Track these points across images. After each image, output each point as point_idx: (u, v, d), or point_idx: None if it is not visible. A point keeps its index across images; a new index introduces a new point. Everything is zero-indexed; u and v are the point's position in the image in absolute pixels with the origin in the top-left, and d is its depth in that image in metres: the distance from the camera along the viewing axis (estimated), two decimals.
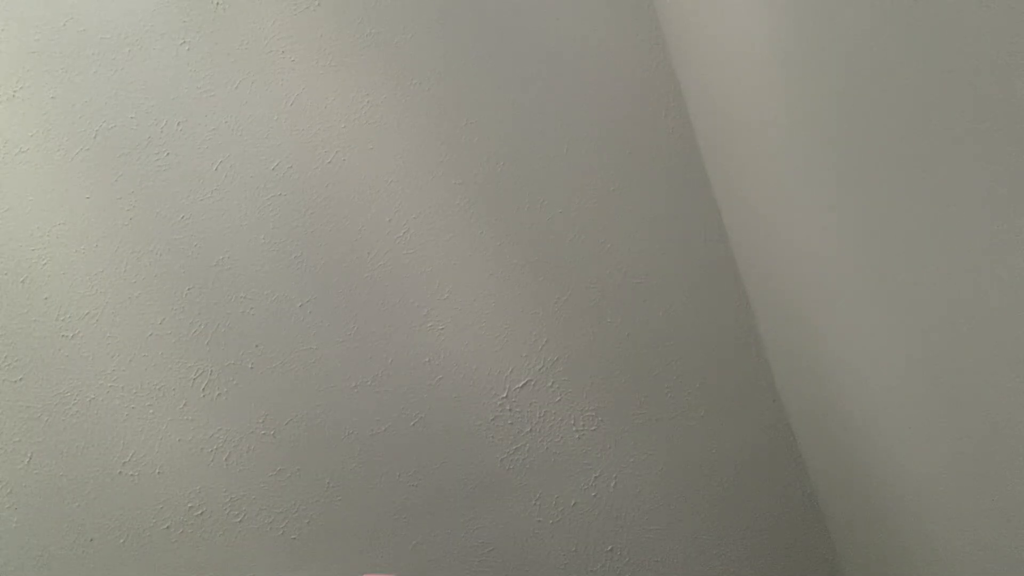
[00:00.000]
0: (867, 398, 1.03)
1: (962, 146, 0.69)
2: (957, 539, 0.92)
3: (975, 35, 0.63)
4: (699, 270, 1.32)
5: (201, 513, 1.21)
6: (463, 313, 1.28)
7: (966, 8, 0.63)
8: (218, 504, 1.21)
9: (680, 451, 1.30)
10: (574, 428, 1.29)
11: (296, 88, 1.27)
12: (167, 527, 1.20)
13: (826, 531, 1.30)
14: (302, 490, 1.24)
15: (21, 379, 1.20)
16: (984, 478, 0.82)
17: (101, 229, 1.23)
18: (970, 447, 0.83)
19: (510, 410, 1.28)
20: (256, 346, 1.24)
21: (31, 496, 1.19)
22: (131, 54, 1.25)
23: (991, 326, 0.73)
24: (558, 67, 1.31)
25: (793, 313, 1.18)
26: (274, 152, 1.26)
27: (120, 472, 1.20)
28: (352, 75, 1.28)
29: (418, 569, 1.27)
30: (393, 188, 1.28)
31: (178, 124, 1.25)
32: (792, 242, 1.10)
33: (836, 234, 0.97)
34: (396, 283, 1.27)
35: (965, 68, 0.65)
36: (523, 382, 1.28)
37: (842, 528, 1.26)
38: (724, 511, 1.30)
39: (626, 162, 1.31)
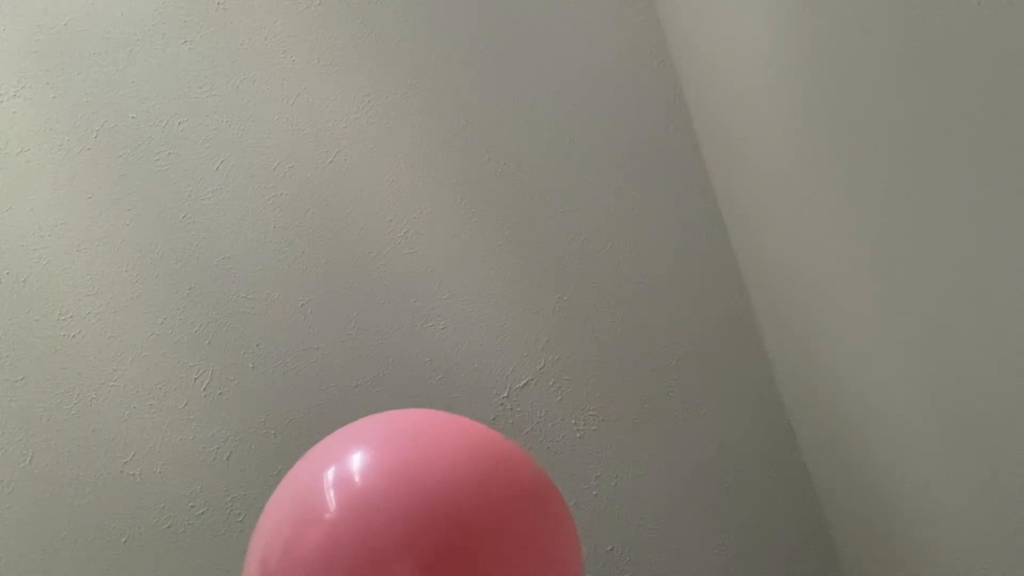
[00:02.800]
0: (867, 398, 1.03)
1: (967, 149, 0.69)
2: (957, 538, 0.92)
3: (983, 38, 0.63)
4: (699, 270, 1.32)
5: (202, 513, 1.21)
6: (463, 313, 1.28)
7: (973, 8, 0.63)
8: (219, 504, 1.21)
9: (680, 451, 1.30)
10: (574, 428, 1.29)
11: (296, 88, 1.27)
12: (168, 527, 1.20)
13: (826, 531, 1.30)
14: None
15: (21, 379, 1.20)
16: (984, 477, 0.82)
17: (101, 229, 1.23)
18: (970, 446, 0.83)
19: (511, 410, 1.28)
20: (256, 346, 1.24)
21: (31, 496, 1.19)
22: (131, 54, 1.25)
23: (992, 326, 0.73)
24: (558, 66, 1.31)
25: (793, 313, 1.18)
26: (274, 152, 1.26)
27: (120, 472, 1.20)
28: (352, 75, 1.28)
29: None
30: (393, 188, 1.28)
31: (179, 124, 1.25)
32: (793, 242, 1.10)
33: (837, 234, 0.97)
34: (396, 283, 1.27)
35: (970, 69, 0.65)
36: (523, 382, 1.28)
37: (842, 528, 1.26)
38: (724, 511, 1.30)
39: (627, 162, 1.31)
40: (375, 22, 1.29)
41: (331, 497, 0.64)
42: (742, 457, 1.31)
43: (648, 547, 1.29)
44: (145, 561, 1.20)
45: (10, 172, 1.22)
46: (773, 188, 1.10)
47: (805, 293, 1.11)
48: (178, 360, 1.23)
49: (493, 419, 1.27)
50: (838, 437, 1.16)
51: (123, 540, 1.20)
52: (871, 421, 1.04)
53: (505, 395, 1.28)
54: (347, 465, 0.67)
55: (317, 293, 1.26)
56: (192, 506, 1.21)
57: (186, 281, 1.24)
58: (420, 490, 0.64)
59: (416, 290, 1.28)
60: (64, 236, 1.22)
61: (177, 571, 1.20)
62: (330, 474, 0.66)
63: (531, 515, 0.69)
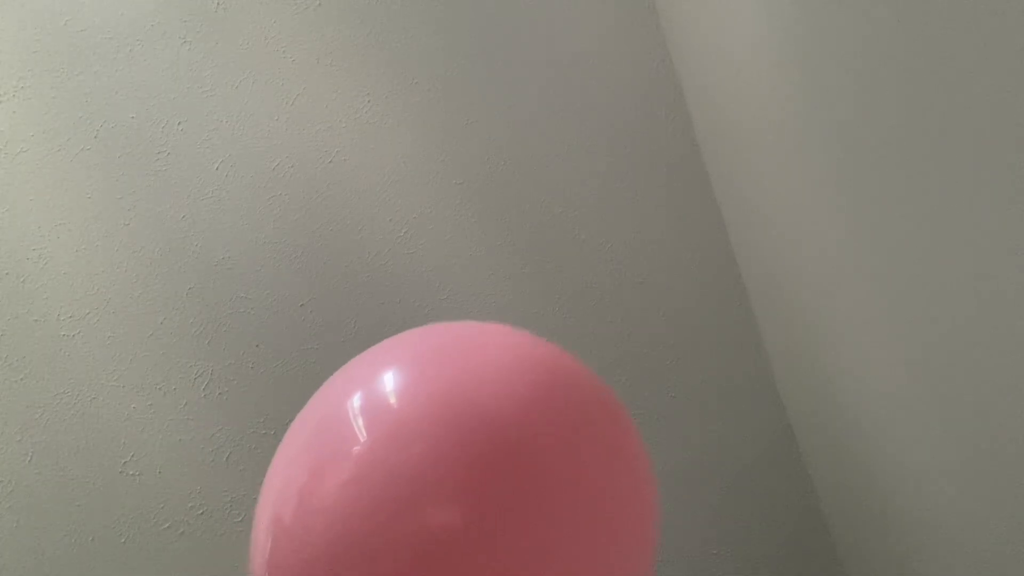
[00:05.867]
0: (867, 398, 1.03)
1: (964, 146, 0.69)
2: (958, 538, 0.92)
3: (980, 36, 0.63)
4: (699, 270, 1.32)
5: (201, 513, 1.21)
6: (463, 313, 1.28)
7: (971, 8, 0.63)
8: (218, 504, 1.21)
9: (680, 451, 1.30)
10: None
11: (296, 88, 1.27)
12: (167, 527, 1.20)
13: (826, 531, 1.30)
14: None
15: (21, 379, 1.20)
16: (984, 476, 0.82)
17: (101, 229, 1.23)
18: (970, 446, 0.83)
19: None
20: (256, 346, 1.24)
21: (31, 496, 1.19)
22: (131, 54, 1.25)
23: (991, 326, 0.73)
24: (559, 66, 1.31)
25: (793, 313, 1.18)
26: (274, 152, 1.26)
27: (120, 472, 1.20)
28: (352, 75, 1.28)
29: None
30: (393, 188, 1.28)
31: (178, 124, 1.25)
32: (793, 242, 1.10)
33: (837, 234, 0.97)
34: (396, 283, 1.27)
35: (969, 68, 0.65)
36: None
37: (842, 528, 1.26)
38: (724, 511, 1.30)
39: (627, 162, 1.31)
40: (375, 22, 1.29)
41: (359, 426, 0.51)
42: (742, 457, 1.31)
43: None
44: (145, 561, 1.20)
45: (10, 172, 1.22)
46: (772, 187, 1.10)
47: (805, 292, 1.11)
48: (178, 360, 1.23)
49: None
50: (838, 436, 1.16)
51: (122, 540, 1.20)
52: (871, 420, 1.04)
53: None
54: (377, 389, 0.54)
55: (317, 293, 1.26)
56: (192, 506, 1.21)
57: (186, 281, 1.24)
58: (467, 414, 0.51)
59: (416, 290, 1.28)
60: (64, 236, 1.22)
61: (176, 571, 1.20)
62: (356, 400, 0.54)
63: (596, 441, 0.56)
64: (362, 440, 0.50)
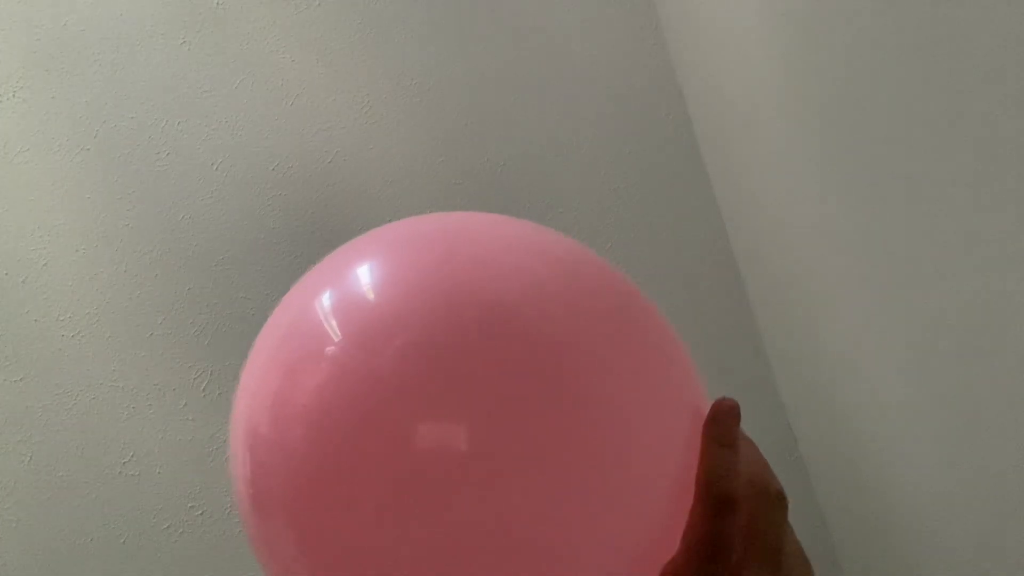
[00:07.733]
0: (868, 398, 1.03)
1: (965, 145, 0.68)
2: (958, 538, 0.92)
3: (977, 32, 0.63)
4: (699, 270, 1.31)
5: (201, 513, 1.21)
6: None
7: (967, 5, 0.63)
8: (218, 504, 1.21)
9: None
10: None
11: (296, 88, 1.27)
12: (167, 527, 1.20)
13: (826, 531, 1.30)
14: None
15: (21, 379, 1.20)
16: (984, 477, 0.82)
17: (101, 229, 1.23)
18: (970, 446, 0.83)
19: None
20: None
21: (31, 496, 1.19)
22: (131, 54, 1.25)
23: (991, 325, 0.72)
24: (558, 66, 1.31)
25: (793, 313, 1.18)
26: (274, 152, 1.26)
27: (120, 472, 1.20)
28: (352, 75, 1.28)
29: None
30: (393, 188, 1.28)
31: (178, 124, 1.25)
32: (793, 242, 1.10)
33: (837, 234, 0.97)
34: None
35: (968, 65, 0.65)
36: None
37: (842, 528, 1.26)
38: None
39: (626, 162, 1.31)
40: (375, 22, 1.29)
41: (332, 326, 0.44)
42: None
43: None
44: (145, 561, 1.20)
45: (10, 172, 1.22)
46: (773, 187, 1.10)
47: (804, 293, 1.11)
48: (178, 360, 1.23)
49: None
50: (838, 437, 1.16)
51: (122, 541, 1.20)
52: (871, 420, 1.04)
53: None
54: (353, 282, 0.46)
55: None
56: (192, 506, 1.21)
57: (186, 281, 1.24)
58: (458, 299, 0.40)
59: None
60: (64, 236, 1.22)
61: (176, 571, 1.20)
62: (328, 297, 0.46)
63: (626, 344, 0.45)
64: (335, 339, 0.42)
